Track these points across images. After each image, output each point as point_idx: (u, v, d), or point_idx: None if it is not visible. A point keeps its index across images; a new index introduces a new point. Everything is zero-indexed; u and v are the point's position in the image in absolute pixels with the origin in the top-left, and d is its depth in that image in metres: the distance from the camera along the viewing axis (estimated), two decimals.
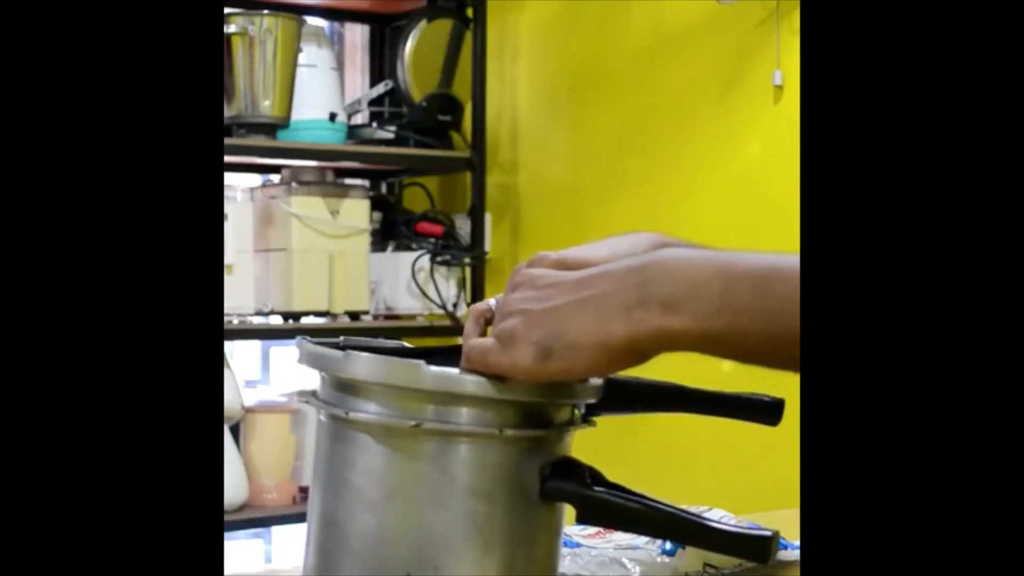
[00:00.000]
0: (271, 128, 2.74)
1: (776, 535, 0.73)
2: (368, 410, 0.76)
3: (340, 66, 3.11)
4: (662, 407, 0.95)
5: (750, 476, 2.35)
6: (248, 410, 2.78)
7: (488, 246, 2.96)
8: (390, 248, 2.98)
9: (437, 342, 0.94)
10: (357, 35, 3.30)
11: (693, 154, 2.63)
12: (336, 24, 3.26)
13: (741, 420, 0.94)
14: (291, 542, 3.07)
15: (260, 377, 3.36)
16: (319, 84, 2.88)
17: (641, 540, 1.02)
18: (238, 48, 2.68)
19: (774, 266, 0.70)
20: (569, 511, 0.78)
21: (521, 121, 3.08)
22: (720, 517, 1.03)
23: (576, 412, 0.81)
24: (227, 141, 2.66)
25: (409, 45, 2.96)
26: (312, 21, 2.97)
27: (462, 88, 2.96)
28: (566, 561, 0.98)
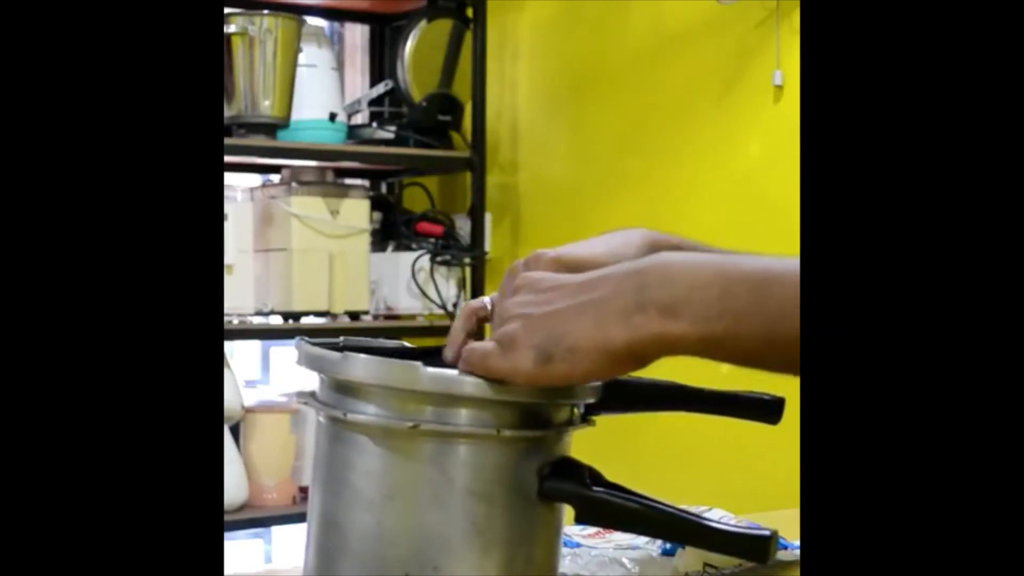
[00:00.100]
0: (271, 128, 2.74)
1: (775, 535, 0.73)
2: (366, 411, 0.77)
3: (340, 66, 3.11)
4: (662, 406, 0.95)
5: (750, 476, 2.35)
6: (248, 410, 2.78)
7: (488, 246, 2.96)
8: (390, 248, 2.98)
9: (437, 342, 0.93)
10: (357, 35, 3.30)
11: (693, 154, 2.63)
12: (336, 24, 3.26)
13: (741, 419, 0.94)
14: (291, 542, 3.07)
15: (260, 377, 3.36)
16: (319, 84, 2.88)
17: (641, 540, 1.02)
18: (238, 48, 2.68)
19: (773, 269, 0.70)
20: (569, 511, 0.78)
21: (521, 121, 3.08)
22: (720, 517, 1.03)
23: (575, 412, 0.81)
24: (227, 141, 2.66)
25: (409, 45, 2.96)
26: (312, 21, 2.97)
27: (462, 88, 2.96)
28: (566, 561, 0.98)
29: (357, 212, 2.83)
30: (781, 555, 1.02)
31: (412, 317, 2.91)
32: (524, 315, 0.75)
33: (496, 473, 0.76)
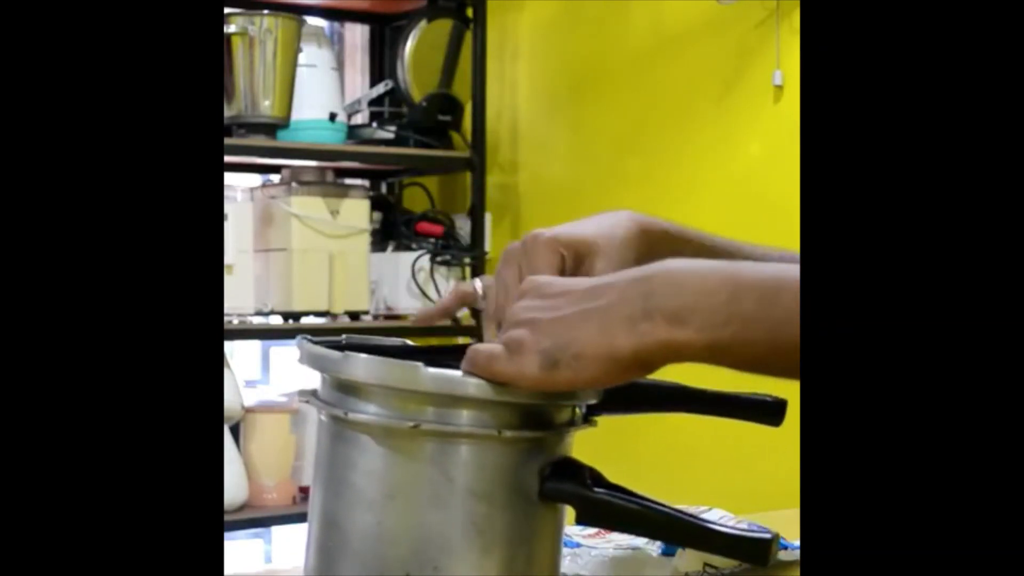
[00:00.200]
0: (271, 128, 2.74)
1: (776, 537, 0.73)
2: (368, 411, 0.77)
3: (340, 66, 3.11)
4: (665, 407, 0.95)
5: (750, 476, 2.35)
6: (248, 410, 2.78)
7: (488, 246, 2.96)
8: (390, 248, 2.98)
9: (438, 342, 0.94)
10: (357, 35, 3.30)
11: (693, 154, 2.63)
12: (336, 24, 3.26)
13: (744, 420, 0.94)
14: (291, 542, 3.07)
15: (260, 377, 3.36)
16: (319, 84, 2.88)
17: (641, 540, 1.02)
18: (238, 48, 2.68)
19: (780, 276, 0.70)
20: (570, 512, 0.78)
21: (521, 121, 3.08)
22: (719, 517, 1.03)
23: (577, 412, 0.81)
24: (227, 141, 2.66)
25: (409, 45, 2.96)
26: (312, 21, 2.97)
27: (462, 88, 2.96)
28: (566, 561, 0.98)
29: (357, 212, 2.83)
30: (781, 555, 1.02)
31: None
32: (531, 320, 0.75)
33: (497, 473, 0.76)
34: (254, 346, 3.33)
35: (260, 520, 2.82)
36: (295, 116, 2.77)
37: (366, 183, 3.11)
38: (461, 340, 2.76)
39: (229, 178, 2.92)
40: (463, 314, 2.79)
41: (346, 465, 0.77)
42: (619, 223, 0.91)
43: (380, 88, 3.00)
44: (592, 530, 1.04)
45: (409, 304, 2.89)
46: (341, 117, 2.88)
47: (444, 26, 2.98)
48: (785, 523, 0.98)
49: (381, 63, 3.17)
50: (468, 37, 2.95)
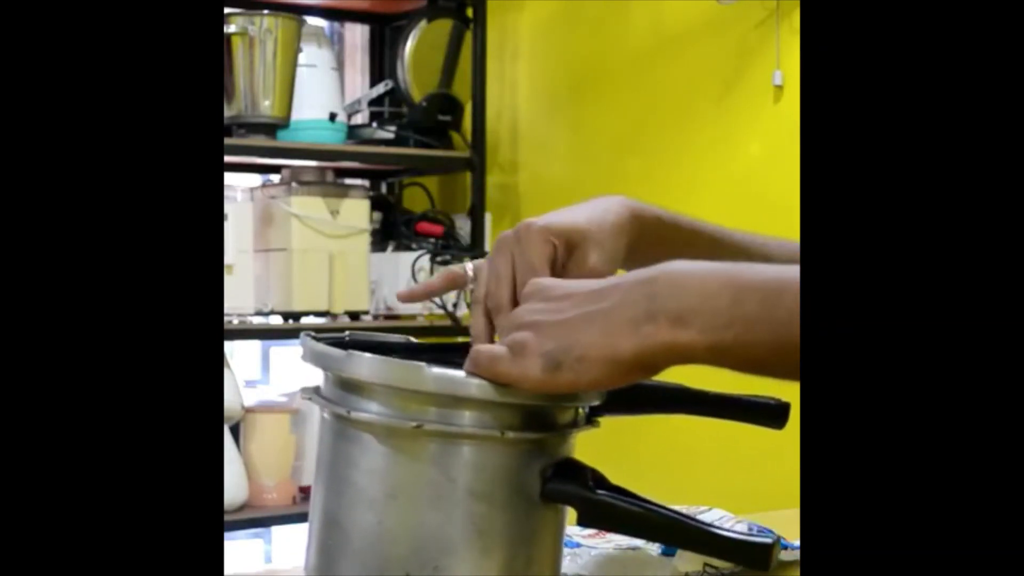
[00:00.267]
0: (271, 128, 2.74)
1: (777, 542, 0.73)
2: (370, 410, 0.76)
3: (340, 66, 3.11)
4: (668, 409, 0.94)
5: (751, 476, 2.35)
6: (248, 410, 2.78)
7: (488, 246, 2.96)
8: (390, 248, 2.98)
9: (438, 341, 0.94)
10: (357, 35, 3.30)
11: (693, 154, 2.63)
12: (336, 24, 3.26)
13: (746, 423, 0.94)
14: (291, 542, 3.07)
15: (260, 377, 3.36)
16: (319, 84, 2.88)
17: (641, 540, 1.02)
18: (238, 48, 2.68)
19: (783, 277, 0.70)
20: (571, 512, 0.78)
21: (521, 121, 3.08)
22: (719, 518, 1.03)
23: (580, 413, 0.81)
24: (227, 141, 2.66)
25: (409, 45, 2.96)
26: (312, 21, 2.97)
27: (462, 88, 2.96)
28: (566, 561, 0.97)
29: (357, 212, 2.83)
30: (781, 555, 1.02)
31: (412, 317, 2.91)
32: (534, 323, 0.75)
33: (498, 474, 0.76)
34: (254, 346, 3.33)
35: (260, 520, 2.82)
36: (295, 116, 2.77)
37: (366, 183, 3.11)
38: (461, 339, 2.75)
39: (229, 178, 2.92)
40: (464, 313, 2.79)
41: (348, 464, 0.77)
42: (611, 210, 0.91)
43: (380, 88, 3.00)
44: (592, 530, 1.04)
45: (409, 304, 2.89)
46: (341, 117, 2.88)
47: (444, 26, 2.98)
48: (785, 523, 0.98)
49: (381, 63, 3.17)
50: (468, 37, 2.95)
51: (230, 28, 2.67)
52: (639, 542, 1.02)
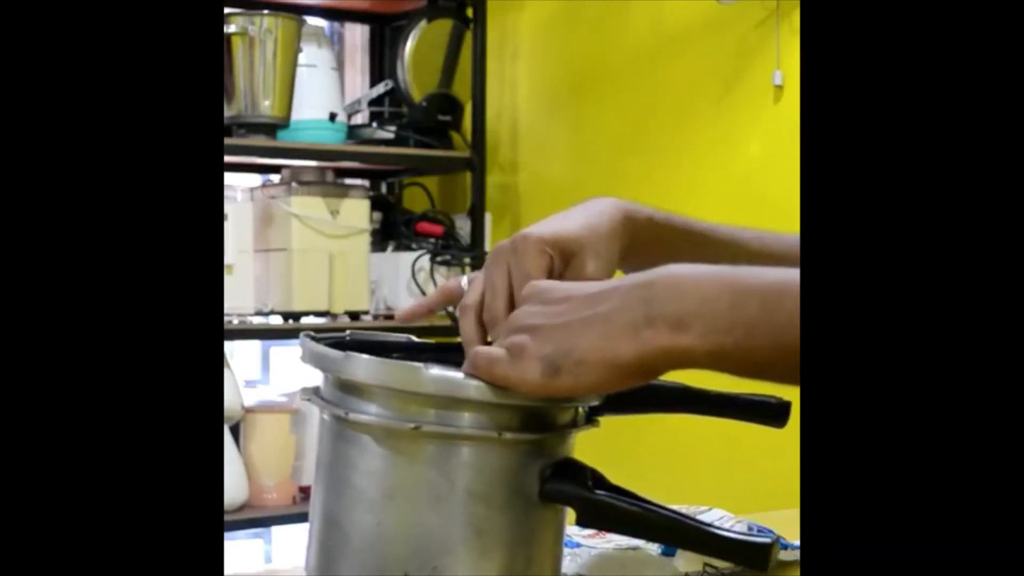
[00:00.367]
0: (271, 128, 2.74)
1: (776, 542, 0.73)
2: (369, 411, 0.77)
3: (340, 66, 3.11)
4: (668, 408, 0.94)
5: (750, 476, 2.35)
6: (248, 410, 2.78)
7: (488, 246, 2.96)
8: (390, 248, 2.98)
9: (439, 341, 0.94)
10: (357, 35, 3.30)
11: (693, 154, 2.63)
12: (336, 24, 3.26)
13: (747, 422, 0.94)
14: (291, 542, 3.07)
15: (260, 377, 3.36)
16: (319, 84, 2.88)
17: (641, 540, 1.02)
18: (238, 48, 2.68)
19: (782, 280, 0.70)
20: (570, 512, 0.78)
21: (521, 121, 3.08)
22: (719, 517, 1.03)
23: (579, 413, 0.81)
24: (227, 141, 2.66)
25: (409, 45, 2.96)
26: (312, 21, 2.97)
27: (462, 88, 2.96)
28: (566, 561, 0.97)
29: (357, 212, 2.83)
30: (781, 555, 1.02)
31: None
32: (533, 326, 0.75)
33: (497, 475, 0.76)
34: (254, 346, 3.33)
35: (260, 520, 2.82)
36: (295, 116, 2.77)
37: (366, 183, 3.11)
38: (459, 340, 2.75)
39: (229, 178, 2.92)
40: None
41: (347, 465, 0.77)
42: (605, 214, 0.92)
43: (380, 88, 3.00)
44: (592, 529, 1.04)
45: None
46: (341, 117, 2.88)
47: (444, 26, 2.98)
48: (785, 523, 0.98)
49: (381, 63, 3.17)
50: (468, 37, 2.95)
51: (230, 28, 2.67)
52: (639, 542, 1.02)
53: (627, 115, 2.79)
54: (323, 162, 2.85)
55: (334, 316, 2.82)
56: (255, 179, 3.03)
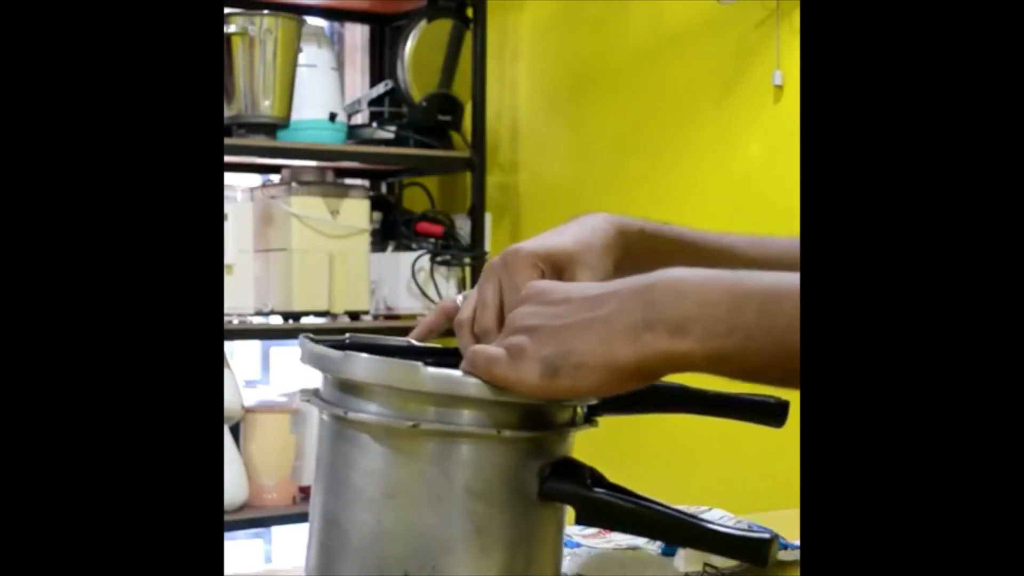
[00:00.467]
0: (271, 128, 2.74)
1: (775, 538, 0.73)
2: (368, 410, 0.77)
3: (340, 66, 3.11)
4: (667, 408, 0.95)
5: (750, 476, 2.35)
6: (248, 410, 2.78)
7: (488, 246, 2.96)
8: (390, 248, 2.98)
9: (440, 342, 0.94)
10: (357, 35, 3.30)
11: (693, 154, 2.63)
12: (336, 24, 3.26)
13: (746, 421, 0.94)
14: (291, 542, 3.07)
15: (260, 377, 3.36)
16: (319, 84, 2.88)
17: (641, 540, 1.02)
18: (238, 48, 2.68)
19: (782, 285, 0.70)
20: (570, 511, 0.79)
21: (521, 121, 3.08)
22: (719, 517, 1.03)
23: (578, 412, 0.81)
24: (227, 141, 2.66)
25: (409, 45, 2.96)
26: (312, 21, 2.97)
27: (462, 88, 2.96)
28: (566, 561, 0.97)
29: (357, 212, 2.83)
30: (781, 555, 1.02)
31: (412, 317, 2.91)
32: (532, 327, 0.75)
33: (497, 473, 0.76)
34: (254, 346, 3.33)
35: (260, 520, 2.82)
36: (295, 116, 2.77)
37: (366, 183, 3.11)
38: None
39: (229, 178, 2.92)
40: None
41: (346, 464, 0.78)
42: (597, 228, 0.92)
43: (380, 88, 2.99)
44: (592, 529, 1.04)
45: (409, 304, 2.89)
46: (341, 117, 2.88)
47: (444, 26, 2.98)
48: (785, 523, 0.98)
49: (381, 63, 3.17)
50: (468, 37, 2.95)
51: (230, 28, 2.67)
52: (639, 542, 1.02)
53: (627, 115, 2.79)
54: (323, 162, 2.85)
55: (334, 316, 2.82)
56: (255, 179, 3.03)
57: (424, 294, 2.87)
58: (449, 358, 0.84)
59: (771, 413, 0.93)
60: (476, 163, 2.90)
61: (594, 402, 0.80)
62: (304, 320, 2.78)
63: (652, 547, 1.02)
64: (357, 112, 3.02)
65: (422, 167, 3.03)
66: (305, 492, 2.79)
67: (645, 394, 0.91)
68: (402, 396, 0.76)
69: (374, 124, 2.98)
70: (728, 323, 0.70)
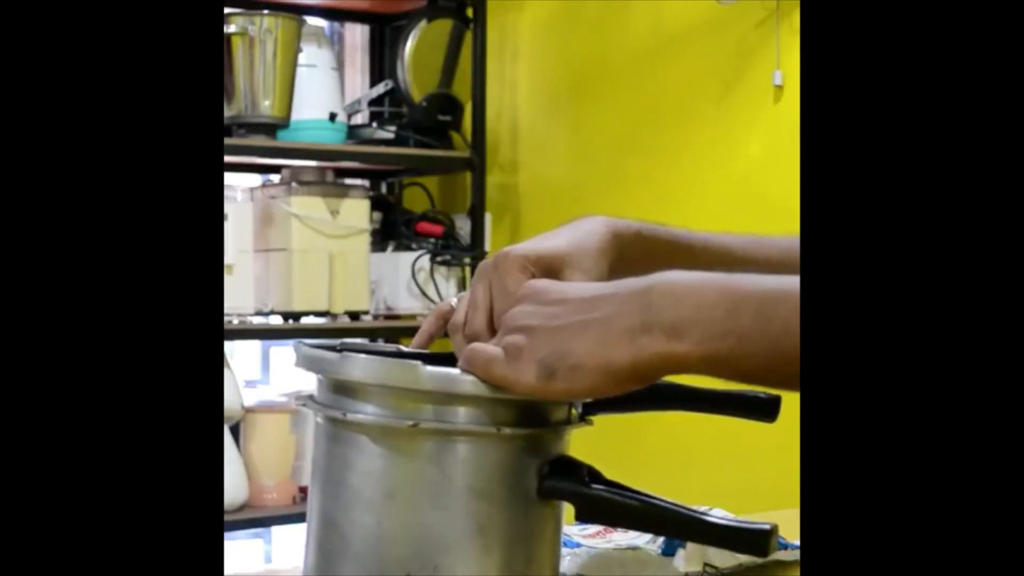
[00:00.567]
0: (271, 128, 2.74)
1: (775, 529, 0.73)
2: (365, 411, 0.77)
3: (340, 66, 3.11)
4: (659, 405, 0.95)
5: (750, 476, 2.35)
6: (248, 410, 2.78)
7: (488, 246, 2.96)
8: (390, 248, 2.98)
9: (437, 344, 0.94)
10: (357, 35, 3.30)
11: (693, 154, 2.63)
12: (336, 24, 3.26)
13: (738, 417, 0.94)
14: (291, 542, 3.07)
15: (260, 377, 3.36)
16: (319, 84, 2.88)
17: (641, 540, 1.02)
18: (238, 48, 2.68)
19: (779, 287, 0.70)
20: (569, 510, 0.79)
21: (521, 121, 3.08)
22: (720, 517, 1.03)
23: (573, 411, 0.82)
24: (227, 141, 2.66)
25: (409, 45, 2.96)
26: (312, 21, 2.97)
27: (462, 88, 2.96)
28: (566, 561, 0.98)
29: (357, 212, 2.83)
30: (781, 555, 1.02)
31: (412, 317, 2.91)
32: (529, 327, 0.75)
33: (496, 471, 0.76)
34: (254, 346, 3.34)
35: (260, 520, 2.82)
36: (295, 116, 2.77)
37: (366, 183, 3.11)
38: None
39: (229, 178, 2.92)
40: None
41: (344, 467, 0.77)
42: (592, 232, 0.92)
43: (380, 88, 3.00)
44: (592, 529, 1.04)
45: (409, 304, 2.89)
46: (341, 117, 2.88)
47: (444, 26, 2.98)
48: (785, 523, 0.98)
49: (381, 63, 3.17)
50: (468, 37, 2.95)
51: (230, 28, 2.67)
52: (639, 542, 1.02)
53: (627, 115, 2.79)
54: (323, 162, 2.85)
55: (334, 316, 2.82)
56: (255, 179, 3.04)
57: (424, 294, 2.87)
58: (442, 362, 0.84)
59: (763, 409, 0.93)
60: (476, 163, 2.90)
61: (589, 399, 0.80)
62: (304, 320, 2.78)
63: (652, 547, 1.02)
64: (357, 112, 3.02)
65: (422, 167, 3.03)
66: (305, 492, 2.78)
67: (638, 392, 0.91)
68: (400, 396, 0.76)
69: (374, 124, 2.98)
70: (724, 326, 0.71)
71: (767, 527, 0.73)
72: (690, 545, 0.99)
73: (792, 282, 0.69)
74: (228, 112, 2.70)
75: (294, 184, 2.79)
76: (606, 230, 0.92)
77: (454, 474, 0.75)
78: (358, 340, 0.91)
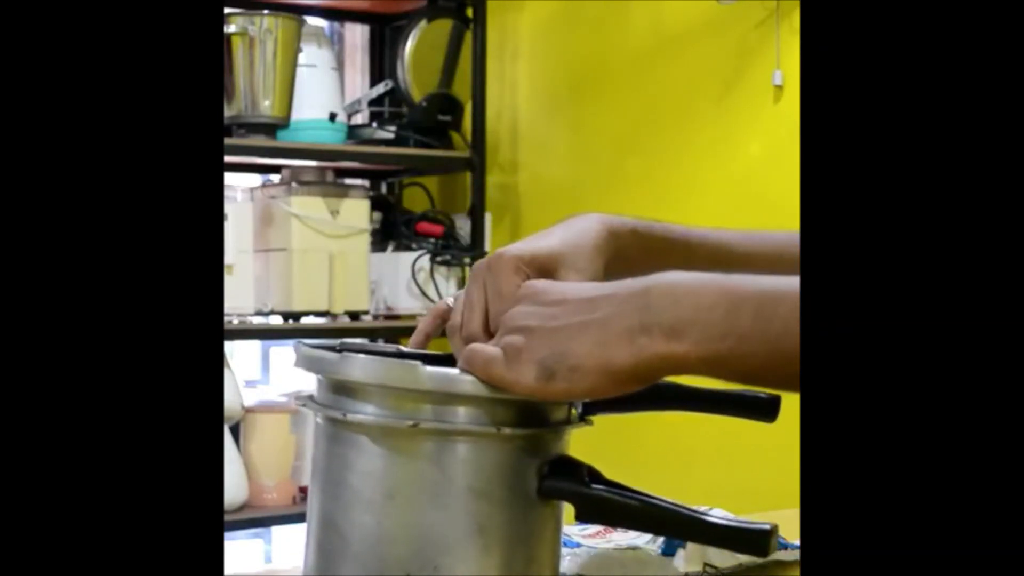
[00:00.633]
0: (271, 128, 2.74)
1: (775, 528, 0.74)
2: (365, 411, 0.77)
3: (340, 66, 3.11)
4: (659, 405, 0.95)
5: (750, 476, 2.35)
6: (248, 410, 2.78)
7: (488, 246, 2.96)
8: (390, 248, 2.98)
9: (437, 344, 0.94)
10: (357, 35, 3.30)
11: (693, 154, 2.63)
12: (336, 24, 3.26)
13: (737, 417, 0.94)
14: (291, 542, 3.07)
15: (260, 377, 3.36)
16: (319, 84, 2.88)
17: (641, 540, 1.02)
18: (238, 48, 2.68)
19: (778, 288, 0.70)
20: (569, 509, 0.79)
21: (521, 121, 3.08)
22: (720, 517, 1.03)
23: (573, 411, 0.82)
24: (227, 141, 2.66)
25: (409, 45, 2.96)
26: (312, 21, 2.97)
27: (462, 88, 2.96)
28: (566, 561, 0.98)
29: (357, 212, 2.83)
30: (781, 555, 1.02)
31: (412, 317, 2.91)
32: (528, 328, 0.75)
33: (496, 471, 0.76)
34: (254, 346, 3.34)
35: (260, 520, 2.82)
36: (295, 116, 2.77)
37: (366, 183, 3.11)
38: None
39: (229, 178, 2.92)
40: None
41: (344, 467, 0.77)
42: (587, 230, 0.91)
43: (380, 88, 3.00)
44: (592, 530, 1.04)
45: (409, 304, 2.89)
46: (341, 117, 2.88)
47: (444, 26, 2.98)
48: (785, 523, 0.98)
49: (381, 63, 3.17)
50: (468, 37, 2.95)
51: (230, 28, 2.67)
52: (639, 542, 1.02)
53: (627, 115, 2.80)
54: (323, 162, 2.86)
55: (334, 316, 2.82)
56: (255, 179, 3.04)
57: (424, 294, 2.87)
58: (441, 362, 0.84)
59: (763, 409, 0.93)
60: (476, 163, 2.90)
61: (588, 399, 0.80)
62: (304, 320, 2.78)
63: (652, 547, 1.02)
64: (357, 112, 3.02)
65: (422, 167, 3.03)
66: (305, 492, 2.78)
67: (638, 392, 0.91)
68: (400, 396, 0.76)
69: (374, 124, 2.99)
70: (724, 326, 0.71)
71: (767, 527, 0.73)
72: (690, 545, 0.99)
73: (791, 282, 0.69)
74: (228, 112, 2.70)
75: (294, 184, 2.79)
76: (601, 227, 0.92)
77: (454, 474, 0.75)
78: (358, 340, 0.90)
